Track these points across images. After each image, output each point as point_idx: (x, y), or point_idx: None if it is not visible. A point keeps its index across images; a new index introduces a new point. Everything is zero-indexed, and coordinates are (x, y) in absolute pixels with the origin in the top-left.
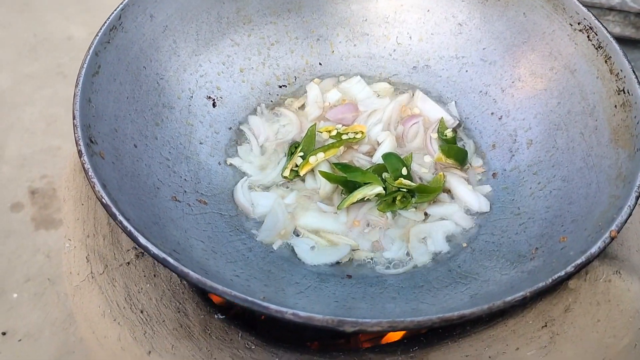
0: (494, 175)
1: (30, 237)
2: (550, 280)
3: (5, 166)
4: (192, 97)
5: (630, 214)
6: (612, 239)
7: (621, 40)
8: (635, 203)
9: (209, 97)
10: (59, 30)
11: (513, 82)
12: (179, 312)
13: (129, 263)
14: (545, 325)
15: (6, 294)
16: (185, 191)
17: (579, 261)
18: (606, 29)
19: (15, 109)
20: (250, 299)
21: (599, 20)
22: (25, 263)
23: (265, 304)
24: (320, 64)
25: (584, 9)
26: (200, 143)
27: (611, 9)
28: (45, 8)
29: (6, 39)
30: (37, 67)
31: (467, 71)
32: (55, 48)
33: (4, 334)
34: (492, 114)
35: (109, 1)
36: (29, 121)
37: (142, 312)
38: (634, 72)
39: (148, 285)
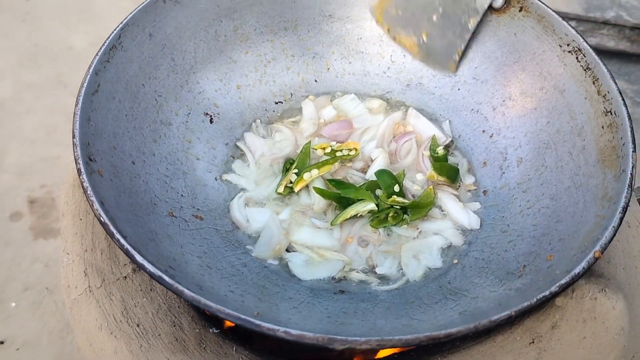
0: (484, 192)
1: (29, 246)
2: (535, 299)
3: (5, 175)
4: (189, 113)
5: (614, 235)
6: (596, 259)
7: (615, 54)
8: (619, 224)
9: (207, 114)
10: (60, 39)
11: (504, 100)
12: (174, 325)
13: (125, 277)
14: (533, 342)
15: (5, 302)
16: (181, 207)
17: (563, 281)
18: (595, 51)
19: (15, 117)
20: (243, 317)
21: (587, 42)
22: (23, 272)
23: (257, 321)
24: (315, 80)
25: (573, 30)
26: (197, 159)
27: (606, 22)
28: (47, 18)
29: (8, 48)
30: (37, 76)
31: (459, 89)
32: (56, 58)
33: (2, 342)
34: (483, 131)
35: (109, 12)
36: (29, 130)
37: (138, 325)
38: (620, 94)
39: (144, 299)
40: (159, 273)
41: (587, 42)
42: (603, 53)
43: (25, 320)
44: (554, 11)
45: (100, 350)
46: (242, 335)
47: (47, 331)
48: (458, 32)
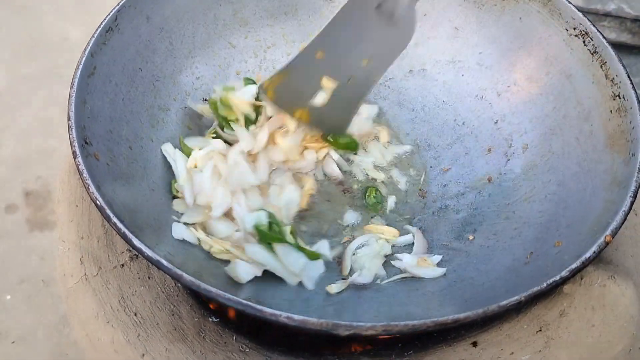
0: (489, 179)
1: (24, 239)
2: (545, 284)
3: (0, 167)
4: (188, 99)
5: (624, 219)
6: (607, 243)
7: (617, 46)
8: (630, 208)
9: (205, 100)
10: (55, 31)
11: (509, 86)
12: (173, 314)
13: (123, 265)
14: (540, 330)
15: (0, 295)
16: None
17: (573, 266)
18: (602, 35)
19: (11, 110)
20: (244, 302)
21: (594, 26)
22: (19, 265)
23: (259, 307)
24: None
25: (579, 14)
26: None
27: (607, 14)
28: (42, 9)
29: (3, 40)
30: (33, 68)
31: (463, 75)
32: (52, 49)
33: None
34: (488, 118)
35: (106, 3)
36: (25, 122)
37: (135, 314)
38: (629, 77)
39: (142, 287)
40: (157, 257)
41: (594, 26)
42: None
43: (21, 314)
44: None
45: (97, 340)
46: (242, 324)
47: (43, 324)
48: (349, 106)
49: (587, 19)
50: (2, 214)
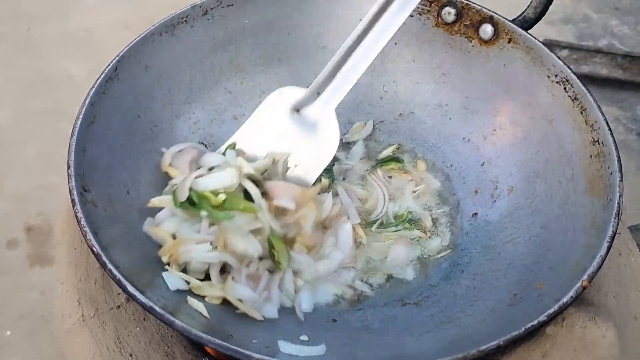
0: (474, 215)
1: (25, 274)
2: (523, 329)
3: (2, 202)
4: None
5: (601, 264)
6: (584, 288)
7: (608, 82)
8: (607, 253)
9: (202, 143)
10: (59, 68)
11: (494, 130)
12: (167, 355)
13: (119, 306)
14: None
15: (0, 330)
16: None
17: (551, 310)
18: (581, 82)
19: (14, 145)
20: (233, 347)
21: (574, 73)
22: (19, 300)
23: (247, 352)
24: None
25: (560, 62)
26: None
27: (598, 50)
28: (47, 47)
29: (8, 76)
30: (37, 104)
31: (450, 119)
32: (56, 86)
33: None
34: (474, 160)
35: (109, 41)
36: (28, 158)
37: (131, 355)
38: (607, 124)
39: (137, 328)
40: (150, 304)
41: (574, 73)
42: (596, 81)
43: (20, 349)
44: (541, 43)
45: None
46: None
47: None
48: None
49: (568, 66)
50: (3, 249)
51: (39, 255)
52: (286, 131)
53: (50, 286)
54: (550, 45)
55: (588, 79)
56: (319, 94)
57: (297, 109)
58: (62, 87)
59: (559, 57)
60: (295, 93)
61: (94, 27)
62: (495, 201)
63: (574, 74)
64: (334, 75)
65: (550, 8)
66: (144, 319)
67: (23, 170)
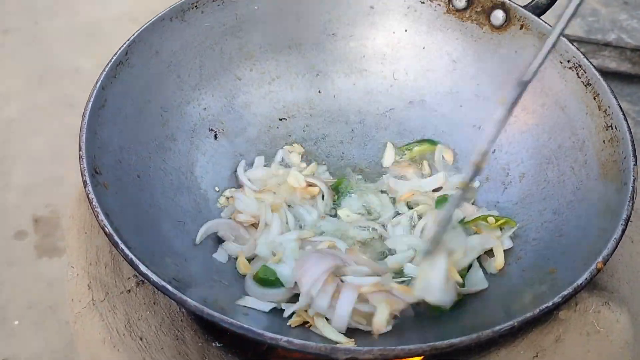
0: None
1: (33, 265)
2: (537, 310)
3: (11, 194)
4: (194, 129)
5: (616, 247)
6: (599, 270)
7: (617, 75)
8: (621, 236)
9: (211, 130)
10: (67, 61)
11: None
12: (177, 339)
13: (129, 291)
14: (537, 355)
15: (7, 321)
16: (185, 221)
17: (565, 292)
18: (594, 67)
19: (22, 137)
20: (246, 326)
21: (587, 59)
22: (27, 290)
23: (260, 331)
24: (319, 97)
25: (572, 47)
26: (202, 174)
27: (607, 44)
28: (54, 39)
29: (15, 69)
30: (44, 97)
31: (461, 106)
32: (63, 79)
33: None
34: None
35: (116, 34)
36: (36, 150)
37: (141, 339)
38: (620, 108)
39: (148, 312)
40: (163, 283)
41: (587, 59)
42: (605, 74)
43: (28, 339)
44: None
45: None
46: (245, 349)
47: (50, 350)
48: None
49: (580, 52)
50: (11, 240)
51: (47, 246)
52: None
53: (58, 277)
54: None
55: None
56: None
57: None
58: (69, 80)
59: (572, 43)
60: None
61: (100, 21)
62: (506, 188)
63: (587, 59)
64: None
65: (559, 2)
66: (154, 303)
67: (31, 162)
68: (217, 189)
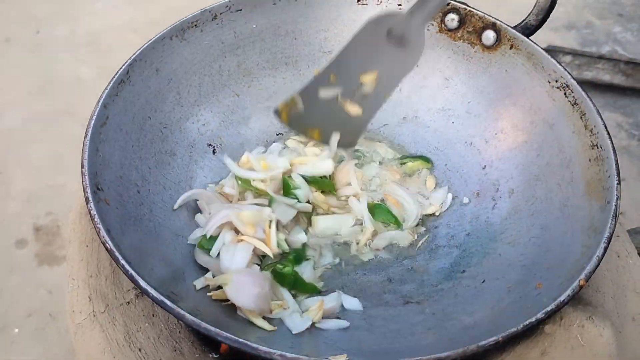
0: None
1: (33, 273)
2: (521, 325)
3: (12, 202)
4: (193, 144)
5: (598, 264)
6: (581, 287)
7: (611, 88)
8: (604, 253)
9: (210, 145)
10: (68, 70)
11: (496, 134)
12: (175, 350)
13: (129, 302)
14: None
15: (8, 328)
16: (183, 235)
17: (549, 308)
18: (586, 86)
19: (24, 146)
20: (240, 340)
21: (574, 79)
22: (27, 298)
23: (255, 345)
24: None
25: (560, 67)
26: (200, 188)
27: (601, 57)
28: (56, 49)
29: (17, 78)
30: (46, 106)
31: (453, 123)
32: (65, 88)
33: None
34: (476, 163)
35: (116, 44)
36: (37, 158)
37: (140, 350)
38: (606, 128)
39: (146, 324)
40: (161, 298)
41: (574, 79)
42: (599, 87)
43: (28, 347)
44: (542, 49)
45: None
46: None
47: (50, 358)
48: (359, 123)
49: (567, 72)
50: (12, 248)
51: (47, 254)
52: (377, 49)
53: (58, 285)
54: (554, 51)
55: (591, 85)
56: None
57: (390, 31)
58: (70, 89)
59: (559, 63)
60: (391, 16)
61: (101, 30)
62: (496, 203)
63: (574, 79)
64: None
65: (554, 14)
66: (153, 314)
67: (32, 170)
68: None
